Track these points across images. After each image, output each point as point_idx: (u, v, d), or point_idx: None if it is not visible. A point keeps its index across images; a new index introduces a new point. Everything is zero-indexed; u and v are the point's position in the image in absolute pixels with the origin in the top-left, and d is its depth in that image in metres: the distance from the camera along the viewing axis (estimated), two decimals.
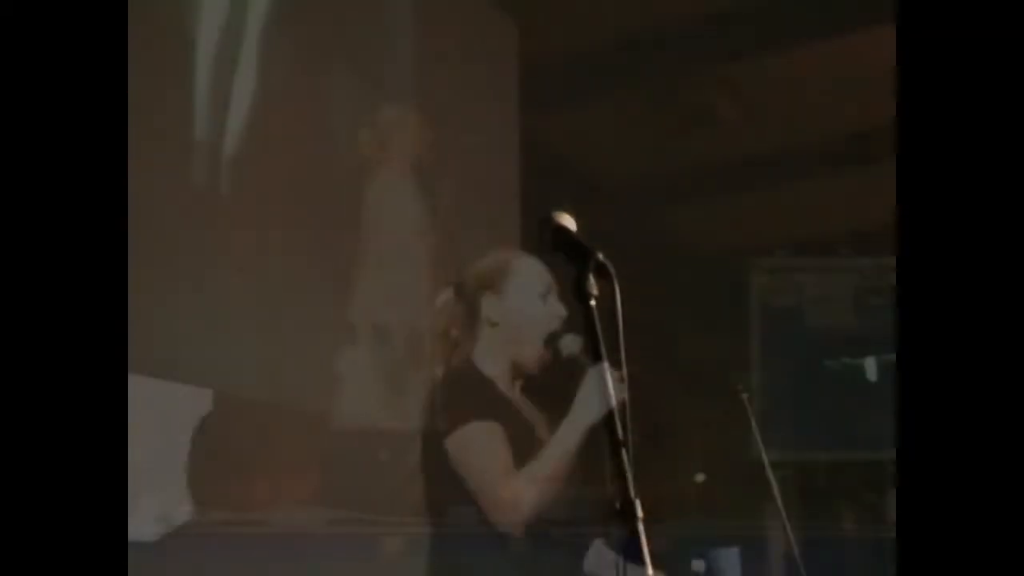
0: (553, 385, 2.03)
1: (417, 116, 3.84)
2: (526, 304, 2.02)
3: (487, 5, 4.32)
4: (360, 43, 3.60)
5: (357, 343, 3.28)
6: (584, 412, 1.88)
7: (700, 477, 10.07)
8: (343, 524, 2.96)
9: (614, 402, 1.83)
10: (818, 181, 6.15)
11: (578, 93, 5.15)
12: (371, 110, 3.58)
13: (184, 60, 2.87)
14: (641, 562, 1.74)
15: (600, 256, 1.83)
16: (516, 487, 1.85)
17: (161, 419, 2.60)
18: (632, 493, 1.88)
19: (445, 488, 1.95)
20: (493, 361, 2.03)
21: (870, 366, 10.77)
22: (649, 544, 1.76)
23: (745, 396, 3.27)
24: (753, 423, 3.15)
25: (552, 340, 1.99)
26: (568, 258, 1.86)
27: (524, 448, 1.90)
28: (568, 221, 1.90)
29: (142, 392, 2.49)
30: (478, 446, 1.90)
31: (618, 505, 1.94)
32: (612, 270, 1.82)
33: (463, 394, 1.97)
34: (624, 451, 1.92)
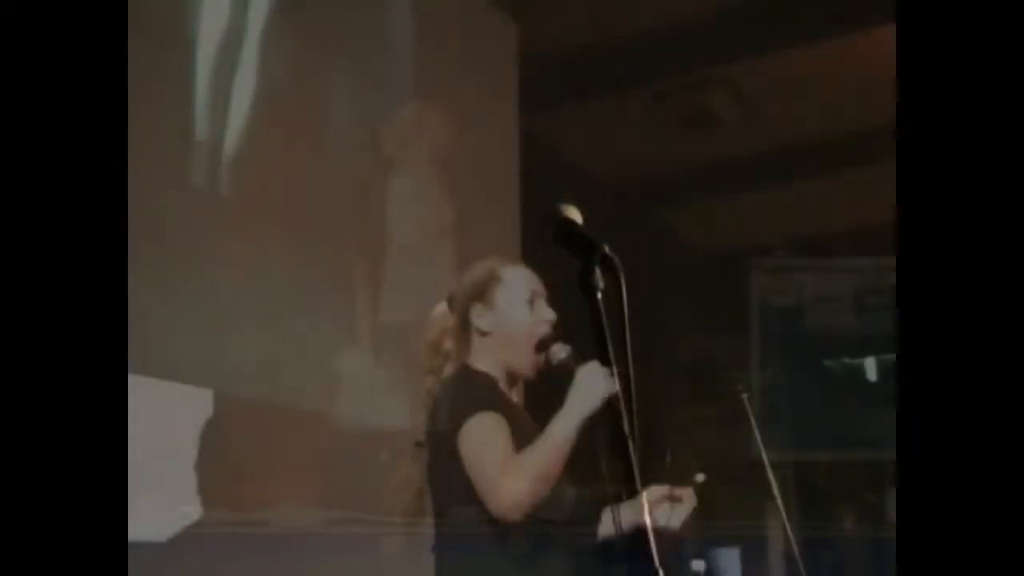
0: (545, 392, 2.04)
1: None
2: (513, 312, 2.04)
3: (487, 5, 4.32)
4: (360, 43, 3.60)
5: (358, 343, 3.28)
6: (575, 407, 1.90)
7: (700, 477, 10.07)
8: (343, 524, 2.96)
9: (603, 398, 1.87)
10: (818, 181, 6.14)
11: (578, 93, 5.15)
12: (370, 110, 3.58)
13: (184, 60, 2.87)
14: (648, 557, 1.75)
15: (607, 249, 1.84)
16: (513, 476, 1.86)
17: (161, 419, 2.60)
18: (638, 487, 1.89)
19: (445, 489, 1.96)
20: (488, 370, 2.05)
21: (870, 366, 10.79)
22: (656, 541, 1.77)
23: (745, 396, 3.27)
24: (753, 423, 3.15)
25: (542, 346, 2.01)
26: (572, 252, 1.87)
27: (524, 446, 1.90)
28: (574, 214, 1.91)
29: (142, 392, 2.50)
30: (481, 436, 1.91)
31: (624, 498, 1.96)
32: (618, 263, 1.83)
33: (466, 391, 1.98)
34: (630, 444, 1.93)
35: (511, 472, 1.85)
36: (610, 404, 1.89)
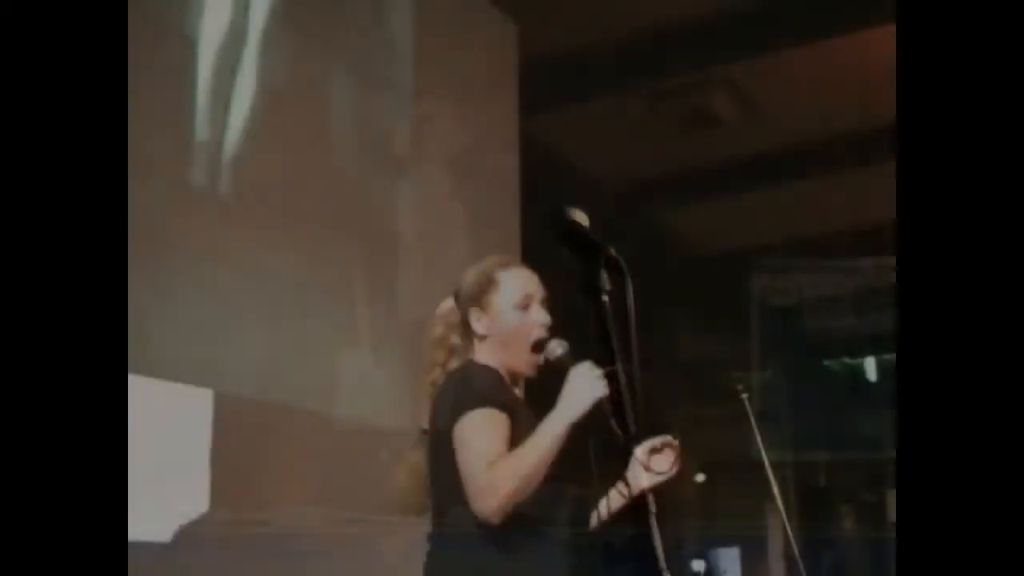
0: (546, 391, 2.05)
1: (454, 111, 3.86)
2: (507, 316, 2.05)
3: (487, 5, 4.32)
4: (360, 43, 3.60)
5: (359, 343, 3.28)
6: (564, 410, 1.91)
7: (700, 477, 10.08)
8: (343, 524, 2.97)
9: (592, 401, 1.87)
10: (818, 181, 6.14)
11: (578, 93, 5.15)
12: (370, 109, 3.58)
13: (184, 60, 2.87)
14: (653, 558, 1.76)
15: (612, 251, 1.84)
16: (496, 475, 1.86)
17: (161, 419, 2.60)
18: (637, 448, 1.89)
19: (444, 488, 1.96)
20: (500, 368, 2.06)
21: (870, 366, 10.79)
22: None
23: (745, 396, 3.27)
24: (753, 423, 3.15)
25: (538, 348, 2.01)
26: (578, 254, 1.87)
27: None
28: (580, 217, 1.92)
29: (142, 392, 2.50)
30: (476, 431, 1.91)
31: (625, 494, 1.97)
32: (624, 265, 1.84)
33: (470, 385, 1.98)
34: (635, 444, 1.94)
35: (495, 473, 1.86)
36: (600, 407, 1.90)
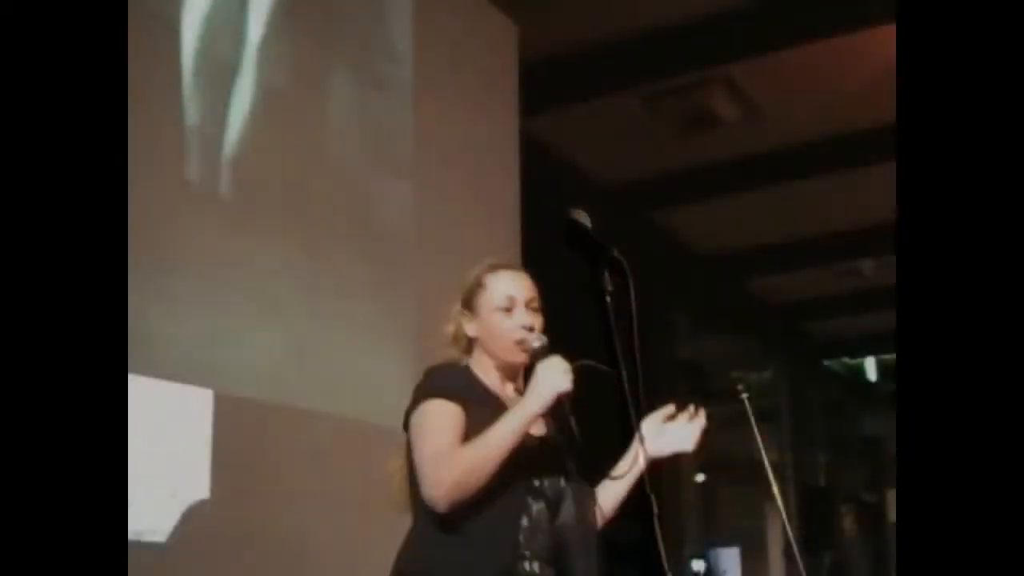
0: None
1: (454, 111, 3.87)
2: (491, 319, 2.10)
3: (487, 5, 4.32)
4: (360, 43, 3.60)
5: (359, 343, 3.28)
6: (525, 404, 1.95)
7: (700, 477, 10.08)
8: (343, 523, 2.97)
9: (554, 394, 1.91)
10: (818, 181, 6.14)
11: (578, 93, 5.15)
12: (371, 110, 3.58)
13: (184, 60, 2.87)
14: (657, 557, 1.77)
15: (615, 252, 1.86)
16: (443, 464, 1.91)
17: (161, 419, 2.60)
18: (648, 489, 1.91)
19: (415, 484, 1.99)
20: (484, 369, 2.12)
21: (870, 366, 10.78)
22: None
23: (745, 396, 3.27)
24: (753, 423, 3.15)
25: (522, 347, 2.06)
26: (581, 255, 1.89)
27: None
28: (583, 218, 1.94)
29: (142, 392, 2.50)
30: (427, 421, 1.98)
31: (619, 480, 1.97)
32: (626, 266, 1.86)
33: (432, 379, 2.05)
34: (641, 448, 1.95)
35: (444, 462, 1.91)
36: (561, 402, 1.95)
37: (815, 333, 9.64)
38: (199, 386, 2.74)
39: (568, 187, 6.02)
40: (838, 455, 10.36)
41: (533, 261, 4.17)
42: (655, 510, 1.90)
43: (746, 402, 3.23)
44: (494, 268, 2.16)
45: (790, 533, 3.29)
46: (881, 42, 4.63)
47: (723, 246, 7.35)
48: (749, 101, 5.30)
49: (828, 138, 5.75)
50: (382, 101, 3.63)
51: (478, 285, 2.14)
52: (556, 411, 1.98)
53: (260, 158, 3.06)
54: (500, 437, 1.91)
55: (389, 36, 3.71)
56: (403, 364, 3.08)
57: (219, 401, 2.79)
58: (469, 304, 2.14)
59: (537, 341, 2.03)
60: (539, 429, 2.06)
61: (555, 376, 1.95)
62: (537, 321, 2.09)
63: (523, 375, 2.10)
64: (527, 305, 2.10)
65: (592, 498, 2.08)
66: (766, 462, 3.20)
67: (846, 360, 10.60)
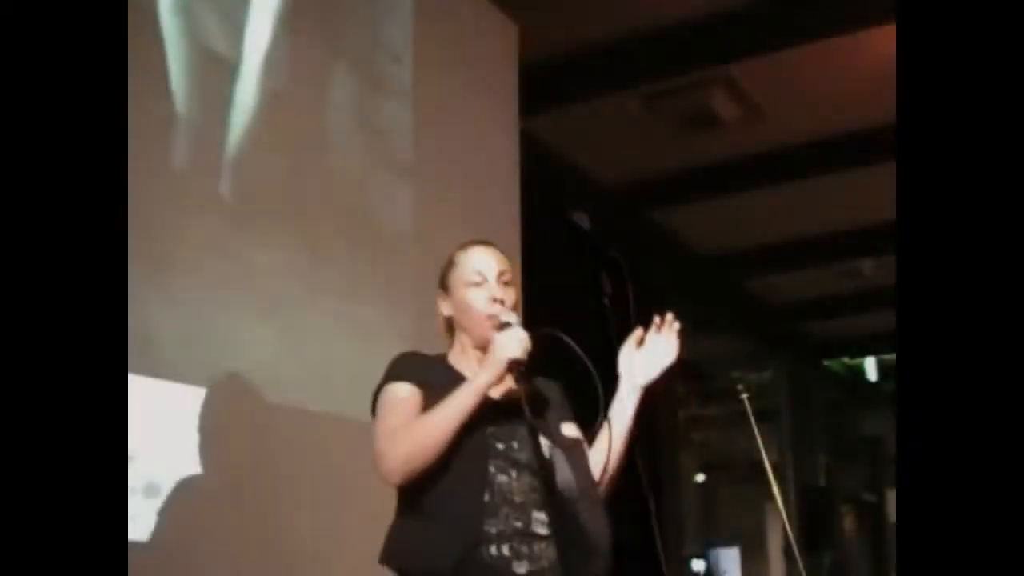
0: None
1: (454, 111, 3.87)
2: (461, 294, 2.09)
3: (487, 5, 4.32)
4: (360, 43, 3.60)
5: (359, 342, 3.28)
6: (479, 375, 1.94)
7: (700, 477, 10.08)
8: (343, 523, 2.97)
9: (506, 361, 1.89)
10: (818, 181, 6.14)
11: (578, 93, 5.16)
12: (371, 110, 3.58)
13: (185, 60, 2.87)
14: (655, 557, 1.77)
15: (615, 253, 1.86)
16: (395, 438, 1.90)
17: (161, 419, 2.60)
18: (645, 490, 1.90)
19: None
20: (463, 352, 2.11)
21: (870, 366, 10.78)
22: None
23: (745, 396, 3.27)
24: (753, 423, 3.15)
25: (494, 321, 2.03)
26: (580, 256, 1.89)
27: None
28: (582, 219, 1.94)
29: (142, 392, 2.50)
30: (384, 403, 1.99)
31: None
32: (625, 267, 1.86)
33: (394, 366, 2.06)
34: (631, 444, 1.93)
35: (394, 436, 1.91)
36: (511, 369, 1.92)
37: (815, 333, 9.64)
38: (199, 386, 2.73)
39: (568, 187, 6.02)
40: (838, 455, 10.36)
41: (533, 261, 4.17)
42: (653, 508, 1.90)
43: (746, 402, 3.24)
44: (464, 246, 2.17)
45: (790, 533, 3.30)
46: (881, 42, 4.63)
47: (723, 246, 7.35)
48: (749, 101, 5.30)
49: (828, 138, 5.75)
50: (382, 101, 3.63)
51: (450, 264, 2.15)
52: (517, 379, 1.94)
53: (260, 158, 3.06)
54: (451, 407, 1.90)
55: (389, 36, 3.71)
56: None
57: (219, 401, 2.78)
58: (443, 284, 2.15)
59: (507, 316, 2.01)
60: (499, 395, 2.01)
61: (508, 344, 1.93)
62: (508, 295, 2.08)
63: None
64: (498, 279, 2.10)
65: (585, 456, 2.04)
66: (766, 462, 3.21)
67: (846, 360, 10.60)
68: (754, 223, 6.87)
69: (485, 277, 2.09)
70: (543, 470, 1.94)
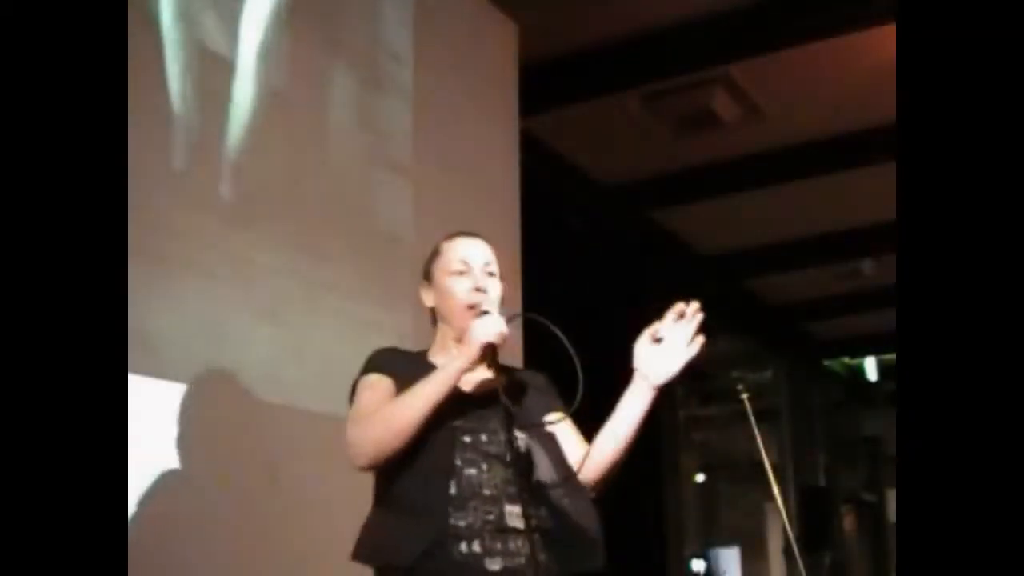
0: None
1: (454, 111, 3.87)
2: (444, 283, 2.06)
3: (487, 5, 4.32)
4: (360, 43, 3.60)
5: (360, 342, 3.27)
6: (453, 361, 1.91)
7: (700, 477, 10.08)
8: (343, 524, 2.96)
9: (480, 346, 1.86)
10: (818, 181, 6.14)
11: (578, 93, 5.16)
12: (371, 110, 3.58)
13: (185, 60, 2.87)
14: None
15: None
16: (363, 423, 1.89)
17: (161, 419, 2.60)
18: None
19: None
20: (443, 348, 2.08)
21: (870, 366, 10.77)
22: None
23: (745, 396, 3.27)
24: (753, 423, 3.15)
25: (476, 310, 2.00)
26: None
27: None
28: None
29: (142, 392, 2.50)
30: (358, 393, 1.97)
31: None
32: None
33: (367, 360, 2.04)
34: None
35: (364, 420, 1.89)
36: (485, 355, 1.88)
37: (815, 333, 9.63)
38: (199, 386, 2.73)
39: (568, 187, 6.02)
40: (838, 455, 10.36)
41: (533, 261, 4.17)
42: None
43: (746, 402, 3.24)
44: (451, 236, 2.14)
45: (790, 533, 3.30)
46: (881, 42, 4.63)
47: (723, 246, 7.35)
48: (749, 101, 5.30)
49: (828, 138, 5.75)
50: (382, 101, 3.63)
51: (435, 253, 2.12)
52: (489, 365, 1.90)
53: (260, 158, 3.06)
54: (423, 391, 1.86)
55: (389, 36, 3.71)
56: None
57: (219, 401, 2.79)
58: (427, 275, 2.12)
59: (490, 307, 1.98)
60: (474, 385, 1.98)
61: (482, 328, 1.89)
62: (494, 286, 2.04)
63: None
64: (483, 269, 2.06)
65: (559, 446, 1.97)
66: (766, 462, 3.21)
67: (846, 360, 10.60)
68: (754, 223, 6.87)
69: (470, 266, 2.06)
70: (518, 462, 1.86)
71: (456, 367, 1.89)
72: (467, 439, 1.91)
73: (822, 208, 6.63)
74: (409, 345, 2.21)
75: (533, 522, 1.82)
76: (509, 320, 1.94)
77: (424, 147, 3.72)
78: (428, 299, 2.11)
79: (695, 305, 2.05)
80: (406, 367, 1.99)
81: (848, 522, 10.89)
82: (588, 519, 1.91)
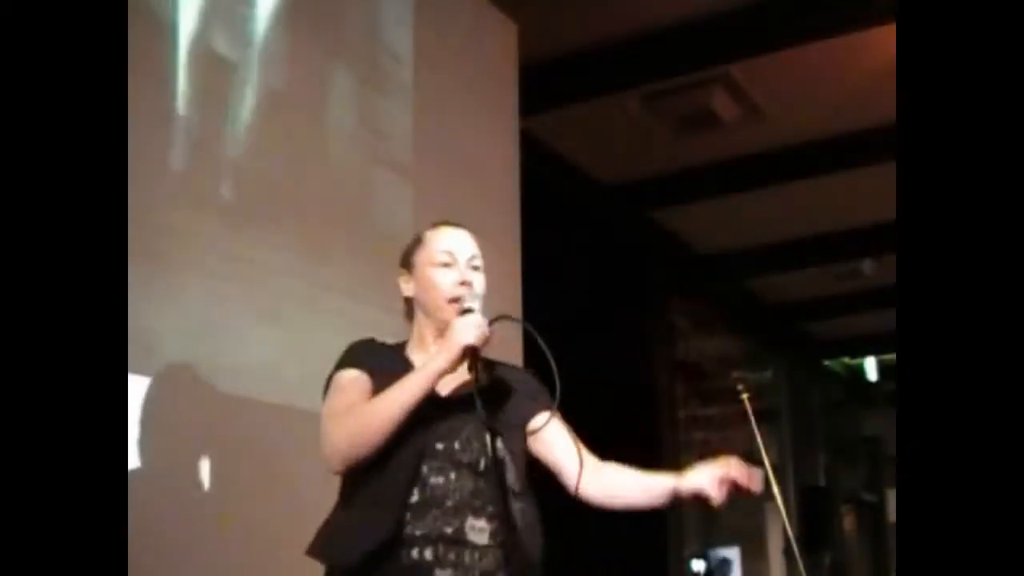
0: None
1: (454, 111, 3.86)
2: (427, 273, 1.99)
3: (487, 5, 4.32)
4: (360, 43, 3.60)
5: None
6: (431, 362, 1.84)
7: None
8: None
9: (461, 348, 1.80)
10: (818, 181, 6.14)
11: (578, 93, 5.16)
12: (371, 110, 3.58)
13: (185, 60, 2.87)
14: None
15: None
16: (338, 422, 1.85)
17: (161, 419, 2.60)
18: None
19: None
20: (421, 343, 2.01)
21: (870, 366, 10.78)
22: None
23: (745, 396, 3.27)
24: (753, 423, 3.15)
25: (455, 304, 1.94)
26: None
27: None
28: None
29: (142, 392, 2.50)
30: (333, 390, 1.94)
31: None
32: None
33: (342, 355, 2.01)
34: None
35: (338, 419, 1.85)
36: (465, 356, 1.82)
37: (815, 333, 9.64)
38: (199, 386, 2.73)
39: (568, 187, 6.02)
40: (838, 455, 10.36)
41: (533, 261, 4.17)
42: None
43: (746, 402, 3.24)
44: (436, 225, 2.08)
45: (790, 533, 3.30)
46: (881, 42, 4.64)
47: (723, 246, 7.35)
48: (749, 101, 5.30)
49: (828, 138, 5.75)
50: (382, 101, 3.63)
51: (417, 242, 2.05)
52: (471, 367, 1.83)
53: (260, 158, 3.06)
54: (399, 392, 1.80)
55: (389, 36, 3.71)
56: None
57: (219, 401, 2.79)
58: (407, 263, 2.04)
59: (472, 302, 1.91)
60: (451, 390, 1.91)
61: (464, 329, 1.82)
62: (478, 281, 1.98)
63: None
64: (468, 262, 1.99)
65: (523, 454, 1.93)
66: (766, 462, 3.21)
67: (846, 360, 10.60)
68: (754, 223, 6.87)
69: (455, 259, 1.99)
70: (493, 472, 1.80)
71: (434, 369, 1.82)
72: (439, 446, 1.85)
73: (822, 208, 6.63)
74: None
75: (499, 538, 1.80)
76: (492, 323, 1.87)
77: (424, 147, 3.72)
78: (407, 289, 2.03)
79: (759, 476, 2.06)
80: (383, 363, 1.94)
81: (848, 522, 10.89)
82: (532, 539, 1.86)
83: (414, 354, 2.00)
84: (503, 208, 4.18)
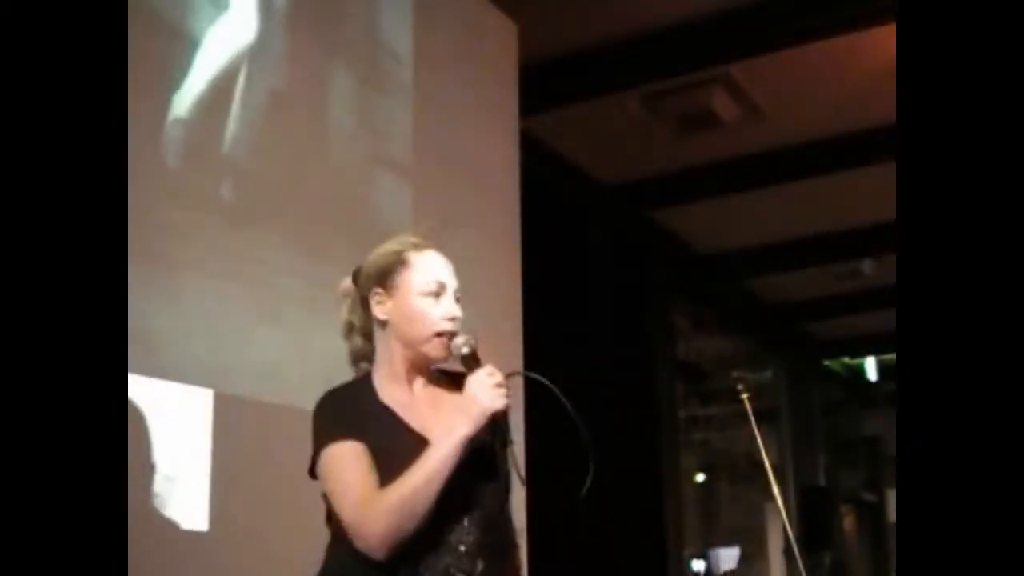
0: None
1: (454, 111, 3.85)
2: (415, 302, 1.86)
3: (487, 5, 4.32)
4: (360, 43, 3.60)
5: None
6: (455, 427, 1.75)
7: (700, 477, 10.09)
8: None
9: (486, 414, 1.73)
10: (818, 181, 6.14)
11: (578, 93, 5.16)
12: (371, 110, 3.58)
13: (184, 60, 2.87)
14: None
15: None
16: (372, 516, 1.72)
17: (161, 419, 2.60)
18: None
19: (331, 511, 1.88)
20: (393, 378, 1.90)
21: (870, 366, 10.79)
22: None
23: (745, 396, 3.27)
24: (753, 423, 3.15)
25: (443, 338, 1.85)
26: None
27: (409, 459, 1.74)
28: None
29: (142, 392, 2.50)
30: (335, 470, 1.79)
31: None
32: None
33: (324, 416, 1.85)
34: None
35: (370, 513, 1.72)
36: (495, 420, 1.75)
37: (815, 333, 9.64)
38: (199, 386, 2.73)
39: (568, 187, 6.03)
40: (838, 455, 10.37)
41: (533, 261, 4.17)
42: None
43: (746, 402, 3.24)
44: (419, 247, 1.92)
45: (790, 533, 3.30)
46: (881, 42, 4.64)
47: (723, 246, 7.35)
48: (749, 101, 5.30)
49: (828, 138, 5.75)
50: (382, 100, 3.63)
51: (400, 263, 1.88)
52: (493, 428, 1.77)
53: (260, 157, 3.06)
54: (429, 471, 1.71)
55: (389, 36, 3.71)
56: None
57: (219, 401, 2.79)
58: (384, 282, 1.88)
59: (466, 347, 1.83)
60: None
61: (487, 395, 1.75)
62: (459, 315, 1.87)
63: (453, 379, 1.91)
64: (454, 295, 1.89)
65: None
66: (766, 462, 3.21)
67: (846, 360, 10.60)
68: (754, 223, 6.88)
69: (445, 289, 1.88)
70: (500, 521, 1.85)
71: (462, 438, 1.74)
72: (474, 511, 1.82)
73: (822, 208, 6.63)
74: None
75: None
76: (508, 377, 1.80)
77: (424, 147, 3.73)
78: (381, 311, 1.89)
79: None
80: (364, 420, 1.82)
81: (848, 522, 10.90)
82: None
83: (386, 388, 1.89)
84: (503, 208, 4.18)
